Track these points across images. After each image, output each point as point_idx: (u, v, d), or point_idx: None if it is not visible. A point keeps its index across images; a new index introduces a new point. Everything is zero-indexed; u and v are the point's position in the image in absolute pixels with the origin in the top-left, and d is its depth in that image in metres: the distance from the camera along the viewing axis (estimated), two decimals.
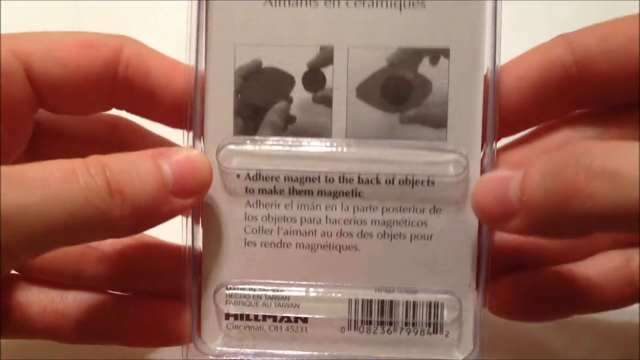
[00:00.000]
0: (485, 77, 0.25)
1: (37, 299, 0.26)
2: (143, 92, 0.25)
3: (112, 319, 0.26)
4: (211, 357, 0.26)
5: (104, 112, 0.27)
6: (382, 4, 0.25)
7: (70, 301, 0.26)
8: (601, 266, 0.26)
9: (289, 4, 0.25)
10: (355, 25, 0.25)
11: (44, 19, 0.37)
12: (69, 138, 0.27)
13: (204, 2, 0.25)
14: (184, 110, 0.25)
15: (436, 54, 0.25)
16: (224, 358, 0.26)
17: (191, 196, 0.23)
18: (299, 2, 0.25)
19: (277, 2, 0.25)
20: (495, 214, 0.23)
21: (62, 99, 0.25)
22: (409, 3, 0.25)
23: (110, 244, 0.27)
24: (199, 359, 0.26)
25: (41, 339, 0.27)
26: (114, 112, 0.27)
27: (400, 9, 0.25)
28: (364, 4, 0.25)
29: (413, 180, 0.25)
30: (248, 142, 0.25)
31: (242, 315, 0.26)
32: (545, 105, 0.25)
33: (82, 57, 0.24)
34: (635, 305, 0.30)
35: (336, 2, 0.25)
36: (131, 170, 0.22)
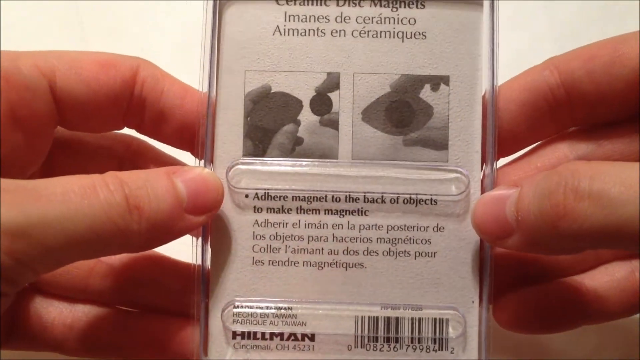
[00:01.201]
0: (484, 100, 0.26)
1: (46, 312, 0.26)
2: (154, 112, 0.26)
3: (118, 334, 0.27)
4: None
5: (117, 131, 0.28)
6: (385, 34, 0.26)
7: (79, 314, 0.27)
8: (606, 278, 0.27)
9: (298, 33, 0.26)
10: (360, 54, 0.26)
11: (44, 19, 0.38)
12: (83, 154, 0.28)
13: (217, 30, 0.26)
14: (193, 132, 0.26)
15: (437, 81, 0.26)
16: None
17: (204, 214, 0.24)
18: (307, 31, 0.26)
19: (286, 31, 0.26)
20: (494, 232, 0.24)
21: (81, 116, 0.26)
22: (411, 34, 0.26)
23: (119, 259, 0.27)
24: None
25: (47, 351, 0.27)
26: (125, 130, 0.28)
27: (403, 40, 0.26)
28: (368, 34, 0.26)
29: (417, 200, 0.26)
30: (257, 162, 0.26)
31: (249, 334, 0.26)
32: (536, 125, 0.26)
33: (103, 76, 0.25)
34: None
35: (342, 32, 0.26)
36: (148, 187, 0.23)
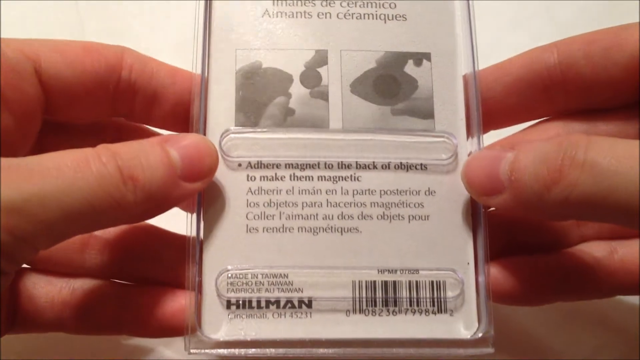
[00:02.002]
0: (467, 76, 0.27)
1: (44, 291, 0.26)
2: (146, 94, 0.27)
3: (118, 308, 0.26)
4: (214, 351, 0.24)
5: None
6: (368, 16, 0.28)
7: (77, 291, 0.26)
8: (586, 256, 0.27)
9: (286, 15, 0.28)
10: (345, 34, 0.27)
11: (44, 19, 0.38)
12: (74, 137, 0.27)
13: (208, 11, 0.27)
14: (187, 111, 0.26)
15: (419, 57, 0.27)
16: (228, 351, 0.24)
17: (199, 180, 0.24)
18: (295, 14, 0.28)
19: (275, 14, 0.28)
20: (484, 187, 0.24)
21: (68, 101, 0.26)
22: (392, 16, 0.28)
23: (113, 232, 0.26)
24: (201, 350, 0.24)
25: (49, 331, 0.26)
26: None
27: (385, 21, 0.28)
28: (352, 16, 0.28)
29: (407, 165, 0.26)
30: (249, 132, 0.26)
31: (244, 303, 0.25)
32: (528, 102, 0.27)
33: (87, 60, 0.26)
34: (635, 305, 0.31)
35: (328, 15, 0.28)
36: (141, 156, 0.23)
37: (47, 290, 0.26)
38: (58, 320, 0.26)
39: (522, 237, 0.27)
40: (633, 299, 0.32)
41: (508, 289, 0.26)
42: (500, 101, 0.27)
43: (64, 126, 0.27)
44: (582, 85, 0.26)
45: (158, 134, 0.29)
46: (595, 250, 0.27)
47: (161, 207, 0.24)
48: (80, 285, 0.26)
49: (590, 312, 0.32)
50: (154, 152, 0.23)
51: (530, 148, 0.23)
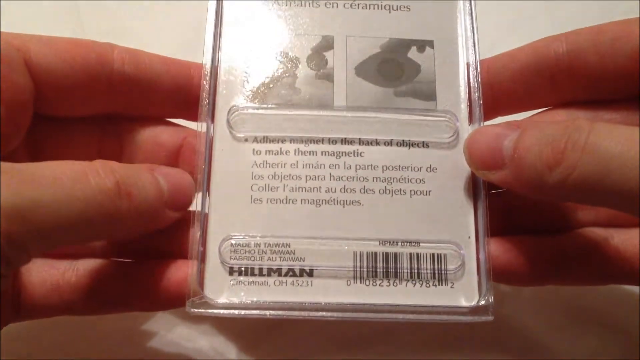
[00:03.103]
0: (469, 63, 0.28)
1: (48, 275, 0.26)
2: (141, 85, 0.27)
3: (122, 285, 0.26)
4: (215, 311, 0.25)
5: None
6: (373, 6, 0.29)
7: (81, 271, 0.26)
8: (587, 240, 0.27)
9: (293, 4, 0.29)
10: (351, 22, 0.29)
11: (44, 19, 0.38)
12: (66, 124, 0.27)
13: (220, 13, 0.28)
14: (185, 95, 0.27)
15: (422, 44, 0.28)
16: (228, 312, 0.25)
17: (179, 210, 0.25)
18: (303, 3, 0.29)
19: (283, 2, 0.29)
20: (485, 161, 0.25)
21: (60, 93, 0.26)
22: (397, 7, 0.29)
23: None
24: (203, 312, 0.25)
25: (56, 315, 0.26)
26: None
27: (390, 11, 0.29)
28: (358, 6, 0.29)
29: (410, 143, 0.27)
30: (256, 108, 0.27)
31: (246, 270, 0.25)
32: (534, 90, 0.28)
33: (77, 52, 0.26)
34: (636, 305, 0.31)
35: (335, 4, 0.29)
36: (136, 176, 0.23)
37: (50, 274, 0.26)
38: (65, 303, 0.26)
39: (521, 220, 0.27)
40: (633, 299, 0.32)
41: (507, 265, 0.26)
42: (507, 88, 0.28)
43: (61, 122, 0.27)
44: (589, 74, 0.27)
45: (152, 117, 0.29)
46: (592, 236, 0.27)
47: (147, 228, 0.25)
48: (84, 266, 0.26)
49: (590, 312, 0.32)
50: (146, 175, 0.24)
51: (536, 128, 0.24)
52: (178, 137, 0.28)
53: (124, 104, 0.27)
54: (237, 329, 0.31)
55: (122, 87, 0.27)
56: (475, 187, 0.27)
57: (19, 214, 0.20)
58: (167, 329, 0.31)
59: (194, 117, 0.27)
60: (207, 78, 0.27)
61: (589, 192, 0.22)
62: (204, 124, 0.26)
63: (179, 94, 0.27)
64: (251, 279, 0.25)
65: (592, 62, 0.26)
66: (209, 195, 0.26)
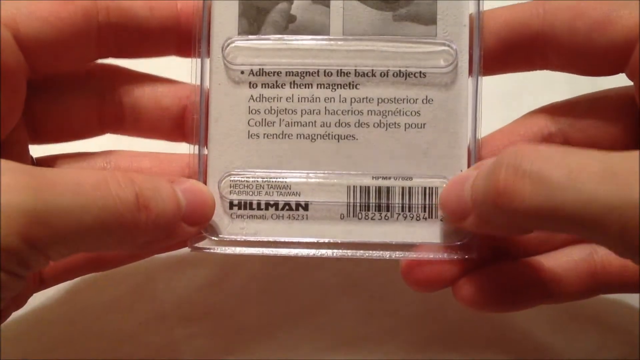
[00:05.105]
0: None
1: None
2: (129, 31, 0.26)
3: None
4: (214, 248, 0.27)
5: (92, 63, 0.28)
6: None
7: None
8: (565, 258, 0.27)
9: None
10: None
11: None
12: (62, 94, 0.28)
13: None
14: (176, 32, 0.27)
15: None
16: (227, 248, 0.27)
17: (196, 225, 0.25)
18: None
19: None
20: (455, 212, 0.25)
21: (51, 57, 0.25)
22: None
23: None
24: (203, 247, 0.27)
25: (82, 275, 0.29)
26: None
27: None
28: None
29: (406, 73, 0.27)
30: (252, 39, 0.27)
31: (245, 204, 0.27)
32: (514, 49, 0.26)
33: (62, 11, 0.25)
34: (636, 305, 0.32)
35: None
36: (155, 189, 0.23)
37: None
38: (87, 258, 0.28)
39: (505, 244, 0.27)
40: (633, 299, 0.32)
41: (474, 300, 0.26)
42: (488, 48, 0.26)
43: (57, 93, 0.27)
44: (564, 52, 0.26)
45: (151, 75, 0.29)
46: (576, 253, 0.27)
47: (161, 243, 0.25)
48: None
49: (590, 312, 0.32)
50: (165, 187, 0.24)
51: (485, 163, 0.23)
52: (180, 98, 0.28)
53: (116, 50, 0.27)
54: (237, 328, 0.32)
55: (109, 37, 0.26)
56: (471, 120, 0.26)
57: (39, 217, 0.20)
58: (167, 329, 0.32)
59: (187, 53, 0.27)
60: (200, 10, 0.26)
61: (544, 221, 0.21)
62: (199, 60, 0.27)
63: (168, 33, 0.27)
64: (250, 212, 0.27)
65: (567, 43, 0.25)
66: (207, 131, 0.27)
